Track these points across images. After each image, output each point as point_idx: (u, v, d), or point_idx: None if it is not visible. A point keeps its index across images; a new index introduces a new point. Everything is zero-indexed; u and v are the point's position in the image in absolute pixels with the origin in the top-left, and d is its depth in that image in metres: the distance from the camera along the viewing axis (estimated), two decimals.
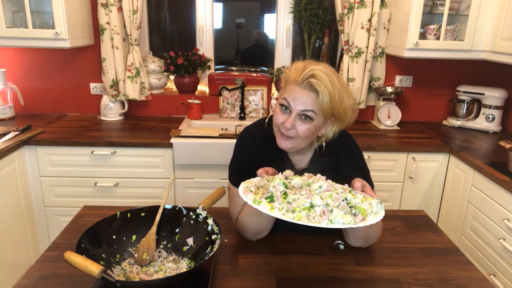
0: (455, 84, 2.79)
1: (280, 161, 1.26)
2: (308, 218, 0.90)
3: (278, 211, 0.92)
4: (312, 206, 0.92)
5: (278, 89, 2.79)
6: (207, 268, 1.10)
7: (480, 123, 2.63)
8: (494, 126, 2.59)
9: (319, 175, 1.07)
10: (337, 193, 0.97)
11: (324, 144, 1.23)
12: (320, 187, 0.99)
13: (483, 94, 2.59)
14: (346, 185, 1.05)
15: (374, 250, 1.24)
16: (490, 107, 2.58)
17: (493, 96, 2.56)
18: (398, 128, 2.67)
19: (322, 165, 1.24)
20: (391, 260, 1.19)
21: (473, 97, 2.65)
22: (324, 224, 0.89)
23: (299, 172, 1.18)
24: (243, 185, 1.02)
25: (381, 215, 0.93)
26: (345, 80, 1.08)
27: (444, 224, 2.34)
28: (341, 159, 1.26)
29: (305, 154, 1.28)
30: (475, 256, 2.04)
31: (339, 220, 0.90)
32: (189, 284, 1.03)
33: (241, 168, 1.27)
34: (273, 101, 2.68)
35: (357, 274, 1.12)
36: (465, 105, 2.68)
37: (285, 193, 0.95)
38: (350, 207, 0.95)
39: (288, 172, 1.08)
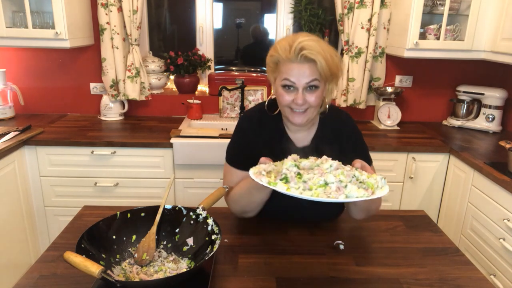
0: (455, 84, 2.79)
1: (280, 140, 1.30)
2: (326, 194, 0.93)
3: (295, 190, 0.94)
4: (326, 184, 0.96)
5: None
6: (207, 268, 1.10)
7: (480, 123, 2.63)
8: (494, 126, 2.59)
9: (324, 156, 1.09)
10: (347, 171, 1.01)
11: (326, 105, 1.28)
12: (330, 166, 1.02)
13: (483, 94, 2.59)
14: (349, 166, 1.08)
15: (374, 250, 1.24)
16: (490, 107, 2.58)
17: (493, 96, 2.56)
18: (398, 128, 2.67)
19: (324, 143, 1.29)
20: (391, 260, 1.19)
21: (473, 97, 2.65)
22: (342, 198, 0.93)
23: (300, 150, 1.27)
24: (252, 170, 1.04)
25: (386, 189, 0.98)
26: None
27: (444, 224, 2.34)
28: (343, 138, 1.31)
29: (308, 132, 1.32)
30: (475, 256, 2.04)
31: (354, 194, 0.94)
32: (189, 284, 1.03)
33: (238, 150, 1.33)
34: None
35: (357, 274, 1.12)
36: (465, 105, 2.68)
37: (299, 174, 0.98)
38: (359, 182, 1.00)
39: (294, 156, 1.09)
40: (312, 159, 1.08)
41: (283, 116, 1.31)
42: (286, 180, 0.96)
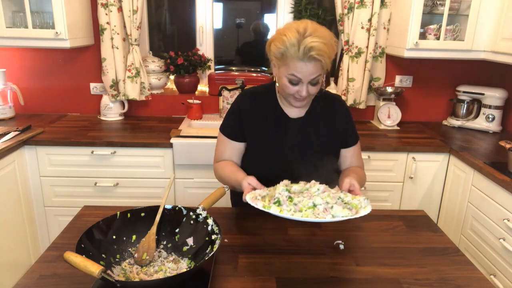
0: (455, 84, 2.79)
1: (275, 113, 1.41)
2: (314, 215, 1.05)
3: (287, 212, 1.06)
4: (315, 205, 1.07)
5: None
6: (207, 268, 1.10)
7: (480, 123, 2.63)
8: (494, 126, 2.59)
9: (313, 181, 1.21)
10: (333, 193, 1.12)
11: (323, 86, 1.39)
12: (318, 189, 1.14)
13: (483, 94, 2.59)
14: (336, 189, 1.21)
15: (374, 250, 1.24)
16: (490, 107, 2.58)
17: (493, 96, 2.56)
18: (398, 128, 2.67)
19: (317, 117, 1.42)
20: (391, 260, 1.19)
21: (473, 97, 2.65)
22: (329, 218, 1.04)
23: (294, 121, 1.39)
24: (249, 196, 1.16)
25: (369, 208, 1.10)
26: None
27: (444, 224, 2.34)
28: (335, 115, 1.44)
29: (303, 107, 1.41)
30: (475, 256, 2.04)
31: (339, 214, 1.06)
32: (189, 284, 1.03)
33: (231, 122, 1.46)
34: None
35: (357, 274, 1.12)
36: (465, 105, 2.67)
37: (291, 197, 1.10)
38: (344, 203, 1.11)
39: (286, 182, 1.21)
40: (301, 183, 1.19)
41: (280, 95, 1.42)
42: (278, 203, 1.08)
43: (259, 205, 1.09)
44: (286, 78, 1.28)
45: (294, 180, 1.30)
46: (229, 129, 1.46)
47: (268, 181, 1.38)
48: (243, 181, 1.23)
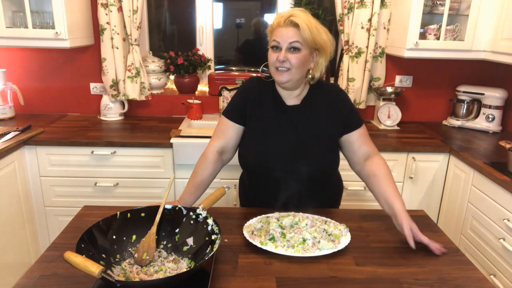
0: (455, 84, 2.79)
1: (273, 100, 1.46)
2: (304, 250, 1.18)
3: (281, 248, 1.19)
4: (304, 240, 1.21)
5: None
6: (207, 268, 1.10)
7: (480, 123, 2.63)
8: (494, 126, 2.59)
9: (300, 213, 1.33)
10: (318, 227, 1.26)
11: (315, 76, 1.43)
12: (306, 224, 1.26)
13: (483, 94, 2.59)
14: (320, 219, 1.33)
15: (374, 250, 1.24)
16: (490, 107, 2.58)
17: (493, 96, 2.56)
18: (398, 128, 2.67)
19: (313, 105, 1.44)
20: (391, 260, 1.19)
21: (473, 97, 2.65)
22: (317, 253, 1.18)
23: (291, 108, 1.43)
24: (246, 229, 1.27)
25: (349, 236, 1.26)
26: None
27: (444, 224, 2.34)
28: (333, 104, 1.44)
29: (298, 97, 1.45)
30: (475, 256, 2.04)
31: (325, 247, 1.20)
32: (189, 284, 1.03)
33: (234, 105, 1.50)
34: None
35: (357, 274, 1.12)
36: (465, 105, 2.67)
37: (283, 234, 1.23)
38: (328, 235, 1.25)
39: (276, 214, 1.32)
40: (291, 215, 1.30)
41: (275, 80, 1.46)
42: (273, 239, 1.21)
43: (256, 241, 1.21)
44: (270, 47, 1.37)
45: (289, 169, 1.40)
46: (232, 112, 1.48)
47: (265, 168, 1.43)
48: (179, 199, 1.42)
